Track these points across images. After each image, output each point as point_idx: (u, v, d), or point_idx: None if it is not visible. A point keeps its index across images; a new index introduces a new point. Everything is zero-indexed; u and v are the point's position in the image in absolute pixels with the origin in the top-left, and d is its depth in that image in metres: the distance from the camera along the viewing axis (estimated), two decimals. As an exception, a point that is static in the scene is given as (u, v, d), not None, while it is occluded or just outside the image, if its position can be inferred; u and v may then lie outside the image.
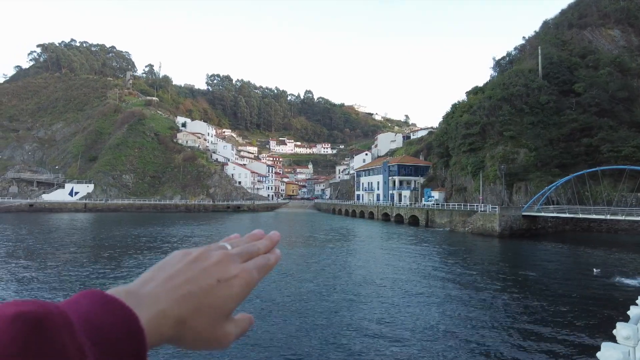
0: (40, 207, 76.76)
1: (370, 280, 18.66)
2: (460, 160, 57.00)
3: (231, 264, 0.53)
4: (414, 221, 55.17)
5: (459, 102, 67.92)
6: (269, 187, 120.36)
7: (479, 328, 12.29)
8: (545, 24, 76.58)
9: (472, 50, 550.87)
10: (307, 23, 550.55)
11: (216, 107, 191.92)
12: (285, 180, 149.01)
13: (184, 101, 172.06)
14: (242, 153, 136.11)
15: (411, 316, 13.23)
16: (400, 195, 71.68)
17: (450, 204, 51.73)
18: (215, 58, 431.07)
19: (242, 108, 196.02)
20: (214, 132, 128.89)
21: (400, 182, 72.65)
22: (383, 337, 11.24)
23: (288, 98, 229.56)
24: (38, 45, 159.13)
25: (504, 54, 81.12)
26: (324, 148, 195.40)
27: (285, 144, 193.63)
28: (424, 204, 57.99)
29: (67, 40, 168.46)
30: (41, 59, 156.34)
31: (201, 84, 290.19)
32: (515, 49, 78.32)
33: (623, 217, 33.70)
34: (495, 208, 40.62)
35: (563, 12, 74.45)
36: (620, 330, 3.84)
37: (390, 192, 73.80)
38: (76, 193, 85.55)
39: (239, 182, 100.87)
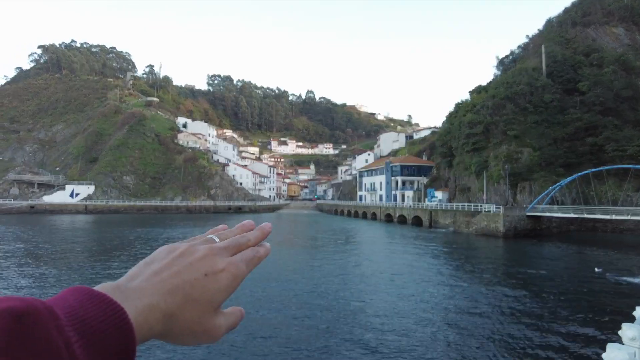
0: (41, 209, 76.56)
1: (373, 281, 18.26)
2: (464, 160, 56.54)
3: (218, 258, 0.53)
4: (417, 222, 54.72)
5: (462, 101, 67.45)
6: (270, 188, 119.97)
7: (483, 329, 12.04)
8: (549, 22, 76.07)
9: (475, 49, 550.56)
10: (308, 23, 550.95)
11: (217, 107, 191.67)
12: (287, 181, 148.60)
13: (184, 102, 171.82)
14: (243, 154, 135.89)
15: (415, 317, 12.85)
16: (403, 195, 71.22)
17: (454, 204, 51.27)
18: (216, 58, 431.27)
19: (243, 108, 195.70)
20: (215, 132, 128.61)
21: (403, 183, 72.20)
22: (387, 337, 10.86)
23: (289, 98, 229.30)
24: (39, 47, 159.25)
25: (508, 53, 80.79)
26: (326, 148, 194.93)
27: (287, 145, 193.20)
28: (427, 205, 57.53)
29: (67, 41, 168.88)
30: (42, 60, 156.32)
31: (202, 84, 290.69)
32: (519, 47, 77.87)
33: (628, 217, 33.21)
34: (499, 208, 40.17)
35: (567, 11, 73.93)
36: (626, 331, 3.77)
37: (393, 192, 73.35)
38: (77, 195, 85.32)
39: (240, 183, 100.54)
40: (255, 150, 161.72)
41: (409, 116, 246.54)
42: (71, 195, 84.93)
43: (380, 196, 78.96)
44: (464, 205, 48.04)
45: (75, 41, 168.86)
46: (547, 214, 39.94)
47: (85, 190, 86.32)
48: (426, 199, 61.74)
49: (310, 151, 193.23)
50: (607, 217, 35.01)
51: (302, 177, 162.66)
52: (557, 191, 41.36)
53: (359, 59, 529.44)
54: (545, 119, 52.66)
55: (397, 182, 72.68)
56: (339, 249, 30.70)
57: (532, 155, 49.16)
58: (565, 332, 11.81)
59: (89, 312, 0.39)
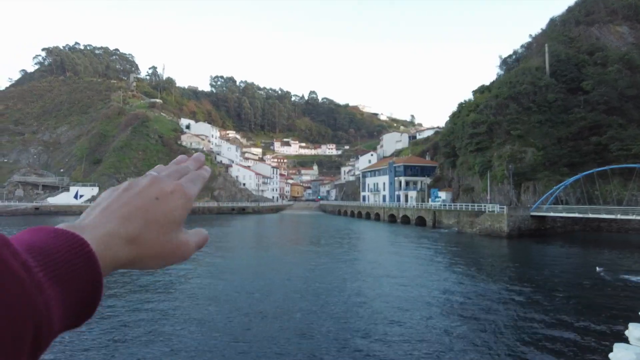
0: (45, 210, 76.98)
1: (377, 282, 18.24)
2: (468, 160, 56.40)
3: (165, 182, 0.54)
4: (421, 222, 54.62)
5: (465, 101, 67.30)
6: (273, 189, 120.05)
7: (488, 329, 12.04)
8: (552, 21, 75.79)
9: (478, 49, 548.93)
10: (310, 24, 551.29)
11: (220, 108, 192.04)
12: (290, 181, 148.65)
13: (187, 103, 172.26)
14: (246, 155, 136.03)
15: (419, 318, 12.84)
16: (406, 195, 71.10)
17: (458, 204, 51.14)
18: (218, 59, 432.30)
19: (246, 109, 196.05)
20: (218, 133, 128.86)
21: (407, 183, 72.08)
22: (391, 337, 10.86)
23: (292, 99, 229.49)
24: (43, 49, 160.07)
25: (511, 52, 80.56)
26: (329, 149, 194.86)
27: (290, 145, 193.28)
28: (431, 205, 57.41)
29: (71, 43, 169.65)
30: (46, 63, 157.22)
31: (205, 86, 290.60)
32: (522, 46, 77.65)
33: (634, 217, 33.04)
34: (503, 208, 40.06)
35: (570, 9, 73.61)
36: (633, 331, 3.80)
37: (397, 192, 73.24)
38: (81, 196, 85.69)
39: (244, 184, 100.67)
40: (258, 151, 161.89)
41: (412, 116, 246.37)
42: (75, 196, 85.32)
43: (384, 196, 78.87)
44: (468, 205, 47.92)
45: (79, 43, 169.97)
46: (552, 214, 39.79)
47: (89, 191, 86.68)
48: (430, 199, 61.61)
49: (313, 152, 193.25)
50: (612, 216, 34.86)
51: (305, 178, 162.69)
52: (562, 191, 41.19)
53: (361, 59, 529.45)
54: (549, 119, 52.44)
55: (400, 183, 72.56)
56: (343, 250, 30.69)
57: (536, 155, 48.97)
58: (570, 332, 11.80)
59: (48, 242, 0.39)
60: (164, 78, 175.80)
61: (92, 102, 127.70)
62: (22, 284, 0.34)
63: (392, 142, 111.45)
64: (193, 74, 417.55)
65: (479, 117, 55.35)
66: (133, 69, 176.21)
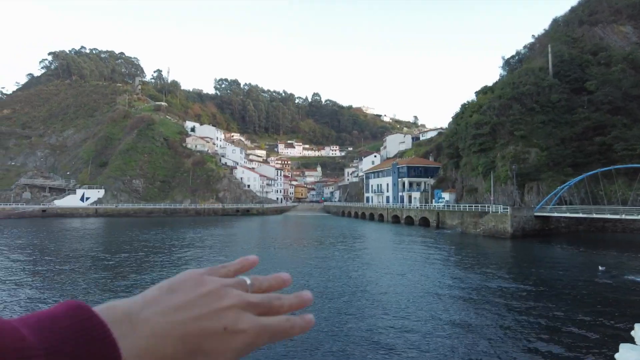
0: (52, 213, 77.76)
1: (381, 283, 18.43)
2: (471, 161, 56.40)
3: (244, 314, 0.45)
4: (424, 223, 54.69)
5: (468, 102, 67.26)
6: (277, 190, 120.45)
7: (493, 329, 12.14)
8: (555, 21, 75.60)
9: (481, 50, 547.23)
10: (314, 27, 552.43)
11: (224, 111, 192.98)
12: (294, 183, 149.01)
13: (192, 106, 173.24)
14: (250, 157, 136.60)
15: (422, 318, 13.01)
16: (410, 196, 71.16)
17: (461, 205, 51.18)
18: (223, 63, 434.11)
19: (250, 112, 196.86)
20: (222, 136, 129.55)
21: (410, 184, 72.14)
22: (394, 338, 11.04)
23: (296, 101, 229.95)
24: (49, 53, 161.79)
25: (514, 53, 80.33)
26: (333, 150, 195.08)
27: (294, 147, 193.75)
28: (435, 206, 57.48)
29: (77, 47, 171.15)
30: (52, 67, 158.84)
31: (209, 89, 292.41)
32: (525, 47, 77.46)
33: (639, 217, 32.95)
34: (507, 209, 40.05)
35: (573, 10, 73.41)
36: (639, 331, 3.80)
37: (400, 193, 73.32)
38: (87, 198, 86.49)
39: (248, 186, 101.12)
40: (262, 153, 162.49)
41: (415, 117, 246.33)
42: (82, 199, 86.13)
43: (387, 197, 78.95)
44: (472, 206, 47.94)
45: (84, 47, 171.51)
46: (556, 214, 39.74)
47: (95, 194, 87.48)
48: (433, 200, 61.65)
49: (316, 153, 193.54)
50: (617, 217, 34.73)
51: (309, 180, 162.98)
52: (566, 191, 41.11)
53: (364, 61, 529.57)
54: (552, 119, 52.35)
55: (404, 184, 72.63)
56: (348, 250, 30.89)
57: (539, 155, 48.91)
58: (576, 332, 11.81)
59: (74, 345, 0.34)
60: (169, 81, 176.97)
61: (98, 106, 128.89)
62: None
63: (395, 144, 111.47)
64: (198, 77, 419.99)
65: (482, 118, 55.35)
66: (138, 72, 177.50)
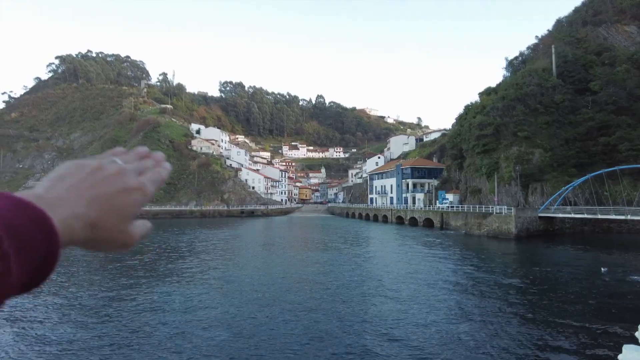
0: (59, 215, 78.51)
1: (385, 283, 18.65)
2: (475, 162, 56.43)
3: (129, 177, 0.58)
4: (428, 224, 54.79)
5: (471, 103, 67.28)
6: (282, 192, 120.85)
7: (497, 329, 12.29)
8: (559, 22, 75.44)
9: (484, 51, 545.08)
10: (317, 29, 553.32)
11: (229, 113, 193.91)
12: (298, 184, 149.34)
13: (197, 108, 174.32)
14: (255, 158, 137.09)
15: (426, 320, 13.21)
16: (414, 198, 71.25)
17: (465, 206, 51.23)
18: (227, 65, 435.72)
19: (255, 114, 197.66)
20: (227, 138, 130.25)
21: (414, 185, 72.22)
22: (398, 340, 11.26)
23: (300, 103, 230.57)
24: (56, 57, 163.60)
25: (517, 54, 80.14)
26: (337, 152, 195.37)
27: (298, 149, 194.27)
28: (439, 207, 57.54)
29: (84, 51, 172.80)
30: (59, 70, 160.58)
31: (214, 91, 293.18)
32: (528, 48, 77.29)
33: (644, 217, 32.91)
34: (511, 209, 40.11)
35: (577, 10, 73.21)
36: None
37: (404, 195, 73.41)
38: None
39: (253, 187, 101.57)
40: (267, 154, 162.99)
41: (419, 119, 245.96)
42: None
43: (391, 199, 79.05)
44: (475, 207, 48.00)
45: (91, 51, 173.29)
46: (560, 215, 39.73)
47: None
48: (437, 201, 61.71)
49: (320, 155, 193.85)
50: (622, 217, 34.68)
51: (313, 181, 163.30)
52: (570, 192, 41.08)
53: (368, 62, 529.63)
54: (556, 120, 52.32)
55: (407, 185, 72.72)
56: (353, 251, 31.12)
57: (543, 156, 48.88)
58: (579, 332, 11.90)
59: (16, 216, 0.43)
60: (174, 84, 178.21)
61: (105, 109, 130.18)
62: None
63: (399, 145, 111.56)
64: (202, 80, 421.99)
65: (486, 119, 55.38)
66: (144, 75, 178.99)
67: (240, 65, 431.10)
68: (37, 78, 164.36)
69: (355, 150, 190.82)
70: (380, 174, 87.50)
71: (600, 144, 47.94)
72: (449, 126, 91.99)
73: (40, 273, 0.46)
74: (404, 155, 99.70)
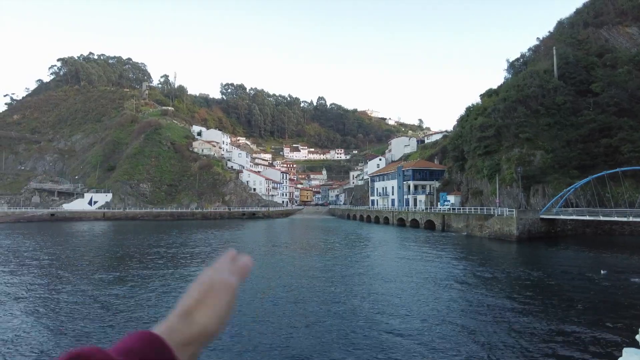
0: (61, 217, 78.70)
1: (387, 286, 18.59)
2: (476, 164, 56.33)
3: (233, 290, 0.69)
4: (430, 226, 54.67)
5: (473, 105, 67.22)
6: (283, 194, 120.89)
7: (496, 331, 12.26)
8: (560, 23, 75.39)
9: (485, 53, 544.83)
10: (318, 31, 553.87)
11: (230, 115, 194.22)
12: (300, 186, 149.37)
13: (199, 110, 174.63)
14: (256, 160, 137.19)
15: (427, 319, 13.16)
16: (415, 199, 71.14)
17: (467, 207, 51.09)
18: (229, 67, 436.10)
19: (256, 116, 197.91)
20: (228, 140, 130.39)
21: (415, 187, 72.11)
22: (398, 339, 11.21)
23: (301, 105, 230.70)
24: (58, 59, 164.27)
25: (518, 56, 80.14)
26: (338, 154, 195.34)
27: (299, 151, 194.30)
28: (440, 209, 57.40)
29: (85, 53, 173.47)
30: (61, 73, 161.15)
31: (215, 93, 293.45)
32: (529, 50, 77.24)
33: (646, 219, 32.76)
34: (513, 211, 39.98)
35: (578, 11, 73.20)
36: None
37: (405, 196, 73.30)
38: (95, 202, 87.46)
39: (254, 189, 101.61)
40: (268, 156, 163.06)
41: (420, 120, 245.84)
42: (90, 203, 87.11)
43: (392, 200, 78.94)
44: (477, 208, 47.88)
45: (93, 53, 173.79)
46: (562, 217, 39.58)
47: (103, 197, 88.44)
48: (438, 203, 61.62)
49: (322, 157, 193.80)
50: (624, 219, 34.52)
51: (314, 183, 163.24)
52: (572, 193, 40.94)
53: (369, 64, 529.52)
54: (557, 121, 52.22)
55: (409, 187, 72.62)
56: (355, 253, 31.05)
57: (545, 157, 48.77)
58: (580, 335, 11.87)
59: (133, 344, 0.53)
60: (176, 86, 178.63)
61: (106, 111, 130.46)
62: None
63: (400, 147, 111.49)
64: (204, 82, 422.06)
65: (487, 121, 55.31)
66: (145, 77, 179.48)
67: (241, 68, 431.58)
68: (39, 80, 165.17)
69: (356, 152, 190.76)
70: (381, 175, 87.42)
71: (602, 146, 47.79)
72: (450, 128, 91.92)
73: None
74: (405, 157, 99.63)
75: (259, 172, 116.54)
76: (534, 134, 51.27)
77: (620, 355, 3.60)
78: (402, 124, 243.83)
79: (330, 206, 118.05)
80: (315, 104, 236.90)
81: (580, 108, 52.67)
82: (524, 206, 45.71)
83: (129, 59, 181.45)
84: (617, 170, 37.79)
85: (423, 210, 61.14)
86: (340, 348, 10.79)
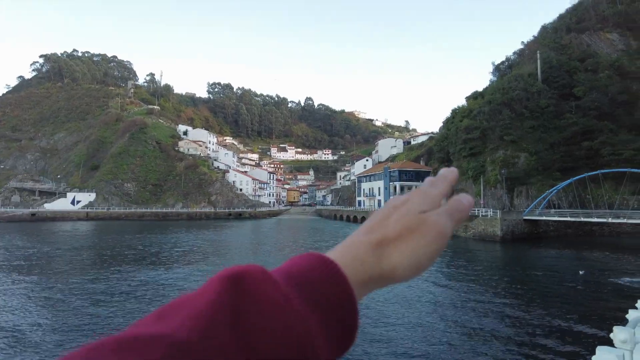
0: (42, 217, 76.92)
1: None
2: (461, 165, 56.97)
3: (446, 224, 0.49)
4: (415, 227, 54.97)
5: (458, 107, 68.06)
6: (270, 194, 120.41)
7: (474, 331, 12.34)
8: (544, 28, 76.88)
9: (471, 55, 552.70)
10: (306, 32, 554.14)
11: (217, 115, 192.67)
12: (287, 186, 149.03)
13: (185, 109, 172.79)
14: (243, 160, 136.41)
15: (409, 319, 13.21)
16: (401, 200, 71.45)
17: (452, 208, 51.43)
18: (216, 67, 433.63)
19: (243, 116, 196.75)
20: (215, 139, 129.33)
21: (402, 188, 72.55)
22: (379, 340, 11.22)
23: (289, 105, 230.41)
24: (41, 56, 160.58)
25: (503, 59, 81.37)
26: (325, 154, 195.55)
27: (286, 151, 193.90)
28: (426, 209, 57.70)
29: (69, 50, 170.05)
30: (43, 69, 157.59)
31: (202, 92, 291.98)
32: (514, 53, 78.56)
33: (625, 220, 33.59)
34: (497, 212, 40.51)
35: (561, 17, 74.77)
36: (618, 333, 3.81)
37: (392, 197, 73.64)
38: (78, 202, 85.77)
39: (241, 189, 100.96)
40: (255, 156, 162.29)
41: (407, 122, 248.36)
42: (72, 202, 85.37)
43: (379, 201, 79.30)
44: (462, 209, 48.25)
45: (77, 50, 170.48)
46: (544, 218, 40.28)
47: (86, 197, 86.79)
48: (425, 204, 61.99)
49: (309, 157, 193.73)
50: (604, 220, 35.34)
51: (302, 183, 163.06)
52: (554, 195, 41.74)
53: (357, 65, 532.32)
54: (541, 124, 53.20)
55: (395, 188, 73.04)
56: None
57: (528, 159, 49.62)
58: (557, 334, 12.02)
59: (303, 269, 0.41)
60: (162, 85, 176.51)
61: (90, 109, 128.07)
62: (286, 314, 0.36)
63: (387, 148, 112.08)
64: (190, 81, 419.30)
65: (473, 123, 56.04)
66: (131, 75, 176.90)
67: (229, 67, 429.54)
68: (21, 77, 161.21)
69: (343, 152, 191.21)
70: (368, 176, 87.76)
71: (584, 149, 48.82)
72: (436, 129, 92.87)
73: (344, 329, 0.40)
74: (392, 158, 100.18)
75: (245, 172, 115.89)
76: (518, 136, 52.12)
77: (594, 354, 3.65)
78: (389, 125, 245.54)
79: (317, 206, 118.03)
80: (303, 104, 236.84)
81: (563, 111, 53.74)
82: (507, 207, 46.38)
83: (114, 56, 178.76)
84: (597, 172, 38.66)
85: (409, 211, 61.39)
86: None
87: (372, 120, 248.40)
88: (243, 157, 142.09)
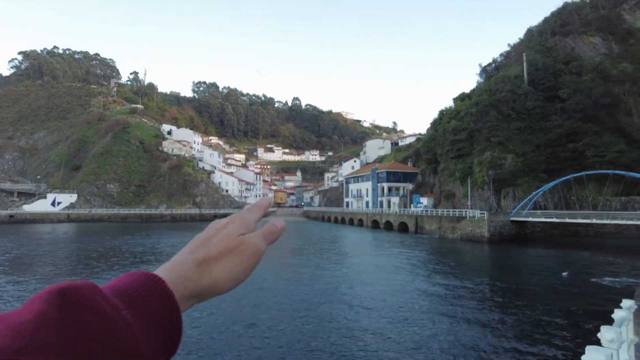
0: (21, 218, 74.52)
1: (358, 289, 18.18)
2: (449, 166, 57.20)
3: (259, 243, 0.62)
4: (403, 228, 54.94)
5: (446, 108, 68.37)
6: (256, 195, 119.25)
7: (460, 332, 12.10)
8: (530, 31, 77.91)
9: (459, 57, 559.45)
10: (293, 31, 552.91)
11: (202, 114, 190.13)
12: (274, 187, 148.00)
13: (169, 109, 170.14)
14: (229, 161, 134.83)
15: (397, 321, 12.83)
16: (389, 201, 71.55)
17: (439, 210, 51.65)
18: (201, 65, 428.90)
19: (229, 115, 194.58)
20: (200, 139, 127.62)
21: (389, 189, 72.56)
22: (368, 342, 10.79)
23: (276, 105, 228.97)
24: (19, 53, 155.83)
25: (490, 61, 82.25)
26: (313, 155, 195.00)
27: (273, 151, 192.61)
28: (413, 211, 57.85)
29: (49, 47, 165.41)
30: (22, 67, 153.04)
31: (187, 91, 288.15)
32: (501, 55, 79.45)
33: (608, 221, 33.97)
34: (484, 214, 40.60)
35: (546, 20, 75.88)
36: (605, 333, 3.91)
37: (379, 198, 73.64)
38: (59, 203, 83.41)
39: (226, 191, 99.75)
40: (241, 157, 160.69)
41: (394, 123, 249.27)
42: (53, 204, 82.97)
43: (367, 202, 79.17)
44: (449, 211, 48.45)
45: (57, 47, 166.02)
46: (531, 219, 40.53)
47: (67, 198, 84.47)
48: (412, 205, 62.13)
49: (296, 158, 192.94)
50: (588, 221, 35.71)
51: (289, 184, 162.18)
52: (540, 196, 42.08)
53: (345, 66, 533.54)
54: (528, 126, 53.71)
55: (383, 189, 73.00)
56: (329, 255, 30.58)
57: (515, 161, 49.99)
58: (544, 335, 11.93)
59: (130, 286, 0.46)
60: (146, 83, 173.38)
61: (72, 108, 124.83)
62: (113, 322, 0.40)
63: (375, 149, 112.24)
64: (175, 80, 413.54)
65: (460, 124, 56.29)
66: (114, 74, 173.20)
67: (214, 65, 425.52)
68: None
69: (331, 153, 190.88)
70: (356, 177, 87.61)
71: (569, 150, 49.44)
72: (423, 131, 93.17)
73: (168, 336, 0.46)
74: (380, 159, 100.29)
75: (231, 173, 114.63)
76: (505, 138, 52.49)
77: (584, 353, 3.69)
78: (376, 126, 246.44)
79: (305, 208, 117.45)
80: (290, 104, 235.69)
81: (549, 113, 54.36)
82: (495, 209, 46.59)
83: (97, 54, 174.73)
84: (581, 174, 39.12)
85: (397, 212, 61.49)
86: (303, 352, 10.24)
87: (360, 121, 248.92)
88: (229, 158, 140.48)
